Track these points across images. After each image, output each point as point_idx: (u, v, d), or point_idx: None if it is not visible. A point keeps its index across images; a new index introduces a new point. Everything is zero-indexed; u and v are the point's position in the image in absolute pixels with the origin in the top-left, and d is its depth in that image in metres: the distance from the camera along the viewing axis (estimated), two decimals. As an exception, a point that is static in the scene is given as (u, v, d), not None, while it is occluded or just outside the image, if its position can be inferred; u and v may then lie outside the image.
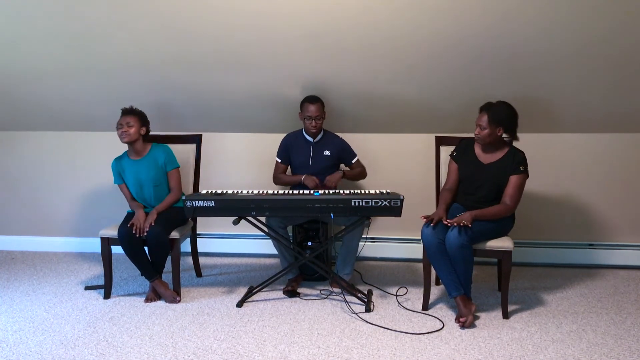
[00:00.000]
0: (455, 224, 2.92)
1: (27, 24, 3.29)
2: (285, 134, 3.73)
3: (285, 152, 3.67)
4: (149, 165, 3.43)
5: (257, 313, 3.13)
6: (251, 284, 3.54)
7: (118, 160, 3.51)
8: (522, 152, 3.14)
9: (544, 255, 4.00)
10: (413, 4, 2.98)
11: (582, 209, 3.98)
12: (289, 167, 3.74)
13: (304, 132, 3.64)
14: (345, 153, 3.68)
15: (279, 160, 3.70)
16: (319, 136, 3.64)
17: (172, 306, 3.23)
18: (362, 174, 3.70)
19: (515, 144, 3.21)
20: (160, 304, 3.27)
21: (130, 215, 3.39)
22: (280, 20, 3.15)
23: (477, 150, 3.21)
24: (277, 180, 3.71)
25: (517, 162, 3.09)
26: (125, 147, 3.53)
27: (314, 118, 3.49)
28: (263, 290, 3.42)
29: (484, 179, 3.14)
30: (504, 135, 3.13)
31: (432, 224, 3.00)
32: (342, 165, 3.74)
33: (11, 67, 3.65)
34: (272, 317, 3.07)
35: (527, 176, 3.12)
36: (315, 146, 3.63)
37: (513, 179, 3.08)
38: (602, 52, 3.20)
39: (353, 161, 3.70)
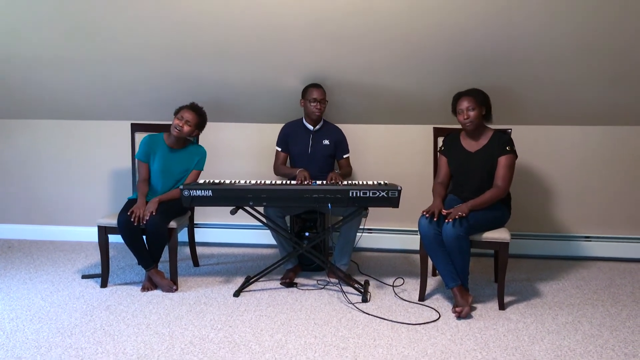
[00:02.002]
0: (451, 219, 2.92)
1: (26, 12, 3.27)
2: (283, 124, 3.72)
3: (285, 140, 3.67)
4: (183, 160, 3.45)
5: (254, 303, 3.13)
6: (248, 274, 3.55)
7: (153, 139, 3.48)
8: (508, 134, 3.15)
9: (541, 247, 4.01)
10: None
11: (578, 202, 3.99)
12: (288, 157, 3.74)
13: (304, 121, 3.64)
14: (340, 146, 3.69)
15: (279, 149, 3.69)
16: (319, 125, 3.64)
17: (169, 295, 3.23)
18: (348, 175, 3.72)
19: (512, 133, 3.21)
20: (158, 293, 3.27)
21: (129, 203, 3.38)
22: (278, 10, 3.13)
23: (464, 140, 3.24)
24: (277, 170, 3.70)
25: (504, 143, 3.11)
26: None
27: (319, 100, 3.50)
28: (260, 280, 3.42)
29: (474, 167, 3.16)
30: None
31: (434, 219, 2.99)
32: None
33: (9, 55, 3.63)
34: (269, 306, 3.08)
35: (516, 156, 3.13)
36: (315, 135, 3.62)
37: (502, 160, 3.09)
38: (599, 47, 3.20)
39: (344, 156, 3.71)
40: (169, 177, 3.44)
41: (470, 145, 3.21)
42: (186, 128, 3.36)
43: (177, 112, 3.40)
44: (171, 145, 3.46)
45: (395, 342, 2.66)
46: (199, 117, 3.42)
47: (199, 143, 3.68)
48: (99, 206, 4.28)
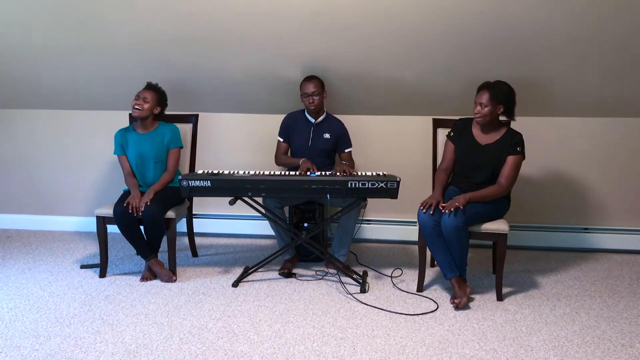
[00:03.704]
0: (448, 211, 2.92)
1: (23, 1, 3.24)
2: (282, 114, 3.71)
3: (286, 131, 3.65)
4: (154, 142, 3.42)
5: (253, 293, 3.14)
6: (247, 264, 3.55)
7: (123, 131, 3.48)
8: (520, 134, 3.13)
9: (539, 239, 4.02)
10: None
11: (577, 193, 3.99)
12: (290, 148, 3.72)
13: (305, 113, 3.62)
14: (342, 140, 3.66)
15: (281, 140, 3.67)
16: (321, 118, 3.61)
17: (168, 285, 3.24)
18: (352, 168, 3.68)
19: (512, 124, 3.20)
20: (156, 283, 3.28)
21: (126, 194, 3.38)
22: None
23: (475, 131, 3.20)
24: (278, 160, 3.68)
25: (515, 143, 3.08)
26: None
27: (310, 94, 3.48)
28: (259, 270, 3.43)
29: (481, 160, 3.13)
30: (501, 117, 3.12)
31: (432, 212, 2.99)
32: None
33: (6, 44, 3.60)
34: (268, 297, 3.08)
35: (524, 158, 3.11)
36: (316, 128, 3.61)
37: (510, 160, 3.07)
38: (600, 38, 3.19)
39: (346, 150, 3.68)
40: (144, 161, 3.42)
41: (481, 137, 3.17)
42: (145, 105, 3.34)
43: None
44: (141, 130, 3.44)
45: (394, 332, 2.67)
46: (156, 92, 3.40)
47: (199, 132, 3.66)
48: (98, 196, 4.28)
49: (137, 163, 3.43)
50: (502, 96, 3.04)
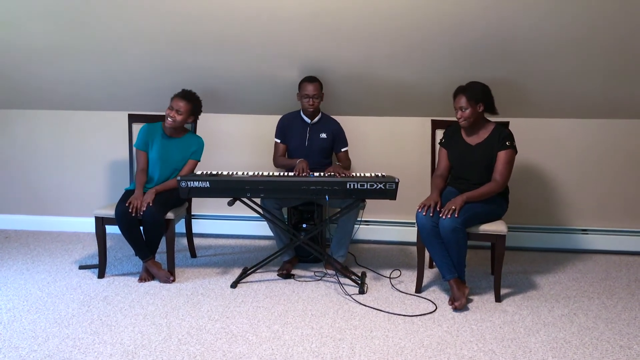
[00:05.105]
0: (443, 216, 2.93)
1: (23, 2, 3.24)
2: (281, 115, 3.71)
3: (283, 132, 3.65)
4: (180, 149, 3.45)
5: (251, 294, 3.14)
6: (246, 265, 3.55)
7: (151, 127, 3.49)
8: (508, 129, 3.15)
9: (538, 240, 4.02)
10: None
11: (575, 195, 3.99)
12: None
13: (301, 114, 3.62)
14: (338, 139, 3.67)
15: (278, 141, 3.67)
16: (317, 118, 3.62)
17: (166, 286, 3.24)
18: (347, 169, 3.68)
19: (510, 126, 3.21)
20: (155, 283, 3.28)
21: (127, 194, 3.37)
22: (276, 0, 3.11)
23: (464, 133, 3.22)
24: (276, 162, 3.69)
25: (503, 138, 3.09)
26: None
27: (311, 97, 3.48)
28: (257, 271, 3.43)
29: (474, 160, 3.15)
30: (486, 115, 3.14)
31: (431, 214, 2.99)
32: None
33: (6, 45, 3.60)
34: (266, 298, 3.08)
35: (516, 152, 3.12)
36: (312, 128, 3.61)
37: (501, 155, 3.08)
38: (598, 40, 3.19)
39: (342, 149, 3.69)
40: (166, 165, 3.44)
41: (471, 138, 3.19)
42: (178, 117, 3.35)
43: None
44: (169, 133, 3.46)
45: (392, 333, 2.67)
46: (190, 103, 3.40)
47: (197, 133, 3.67)
48: (97, 197, 4.27)
49: (157, 164, 3.43)
50: (479, 95, 3.07)
